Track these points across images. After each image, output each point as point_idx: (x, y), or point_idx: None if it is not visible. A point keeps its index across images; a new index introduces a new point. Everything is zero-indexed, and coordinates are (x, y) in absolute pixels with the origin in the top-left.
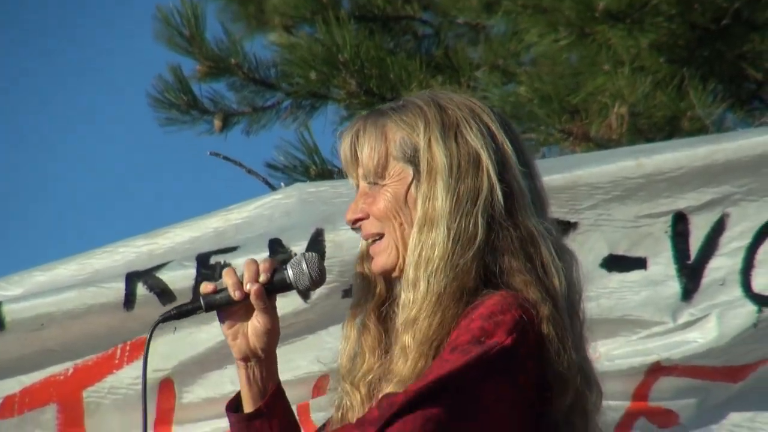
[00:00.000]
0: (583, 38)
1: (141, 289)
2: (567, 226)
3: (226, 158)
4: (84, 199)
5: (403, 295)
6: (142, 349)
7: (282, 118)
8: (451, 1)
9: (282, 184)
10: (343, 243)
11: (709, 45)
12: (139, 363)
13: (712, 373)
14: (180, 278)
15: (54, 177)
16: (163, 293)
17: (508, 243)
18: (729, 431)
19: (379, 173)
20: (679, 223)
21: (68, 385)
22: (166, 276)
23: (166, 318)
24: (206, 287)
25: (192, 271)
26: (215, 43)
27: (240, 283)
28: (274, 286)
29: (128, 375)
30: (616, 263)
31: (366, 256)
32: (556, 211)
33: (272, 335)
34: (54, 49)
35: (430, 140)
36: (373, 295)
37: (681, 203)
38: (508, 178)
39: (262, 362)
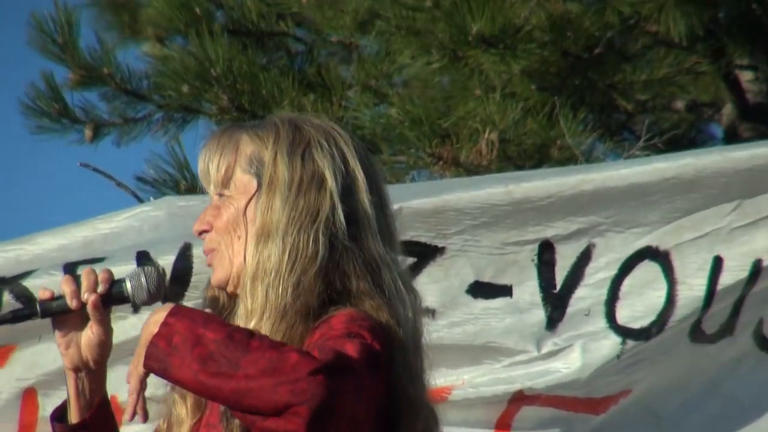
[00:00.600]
0: (456, 62)
1: (6, 296)
2: (434, 251)
3: (96, 170)
4: None
5: (240, 306)
6: (6, 356)
7: (153, 130)
8: (324, 18)
9: (151, 198)
10: None
11: (581, 73)
12: (3, 370)
13: (575, 403)
14: (46, 284)
15: None
16: (28, 301)
17: (353, 266)
18: None
19: (225, 183)
20: (546, 251)
21: None
22: (31, 284)
23: (2, 321)
24: (43, 293)
25: (58, 279)
26: (88, 51)
27: (77, 292)
28: (111, 298)
29: None
30: (481, 290)
31: None
32: (424, 235)
33: (105, 347)
34: None
35: (276, 154)
36: (216, 310)
37: (548, 232)
38: (353, 203)
39: (92, 374)
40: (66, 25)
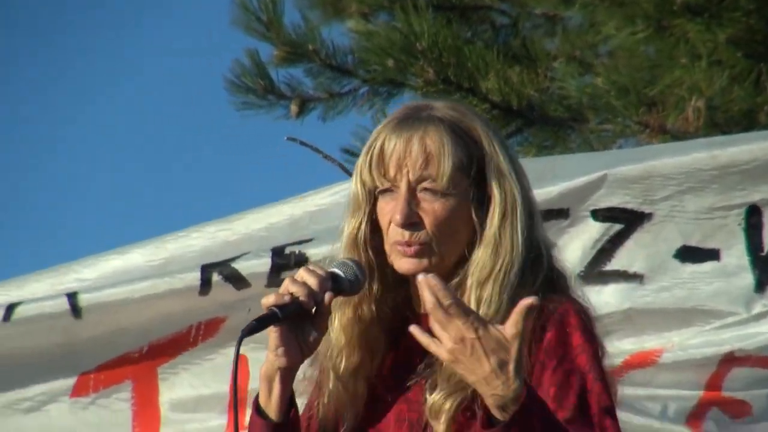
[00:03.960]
0: (661, 31)
1: (215, 277)
2: (641, 217)
3: (303, 143)
4: (160, 184)
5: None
6: (217, 327)
7: (358, 104)
8: None
9: None
10: None
11: None
12: (213, 341)
13: None
14: (254, 266)
15: (133, 167)
16: (238, 280)
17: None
18: None
19: (451, 184)
20: (753, 215)
21: (143, 362)
22: (241, 265)
23: (250, 331)
24: (268, 299)
25: (267, 260)
26: (293, 28)
27: (313, 293)
28: (334, 292)
29: (202, 351)
30: (689, 254)
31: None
32: (631, 201)
33: (318, 344)
34: (133, 28)
35: (499, 162)
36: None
37: (755, 196)
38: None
39: (294, 372)
40: (270, 3)
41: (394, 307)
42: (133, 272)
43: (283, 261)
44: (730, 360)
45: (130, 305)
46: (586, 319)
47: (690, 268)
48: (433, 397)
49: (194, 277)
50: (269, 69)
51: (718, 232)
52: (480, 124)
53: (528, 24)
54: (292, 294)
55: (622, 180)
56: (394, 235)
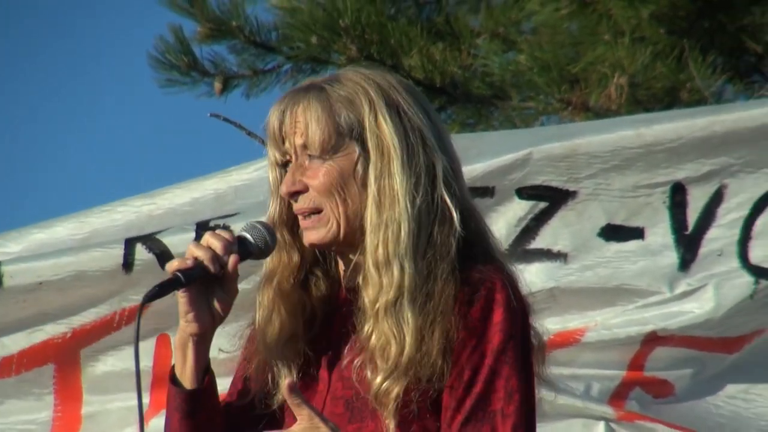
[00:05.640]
0: (584, 8)
1: (140, 250)
2: (566, 195)
3: (226, 120)
4: (83, 160)
5: (370, 274)
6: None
7: (282, 81)
8: None
9: None
10: None
11: (710, 16)
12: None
13: (708, 343)
14: (180, 241)
15: (53, 138)
16: (163, 254)
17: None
18: (724, 402)
19: (321, 146)
20: (678, 193)
21: (66, 345)
22: (165, 239)
23: (152, 297)
24: (172, 264)
25: (191, 235)
26: (217, 4)
27: (217, 256)
28: (242, 256)
29: (126, 335)
30: (613, 233)
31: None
32: (555, 179)
33: (230, 307)
34: (52, 8)
35: (377, 118)
36: (289, 263)
37: (679, 174)
38: (449, 154)
39: (208, 338)
40: None
41: (329, 279)
42: (57, 246)
43: None
44: (653, 339)
45: (54, 280)
46: (511, 295)
47: (614, 247)
48: (378, 383)
49: (118, 251)
50: (193, 46)
51: (642, 210)
52: (365, 85)
53: (452, 0)
54: (195, 258)
55: (548, 158)
56: (294, 207)
